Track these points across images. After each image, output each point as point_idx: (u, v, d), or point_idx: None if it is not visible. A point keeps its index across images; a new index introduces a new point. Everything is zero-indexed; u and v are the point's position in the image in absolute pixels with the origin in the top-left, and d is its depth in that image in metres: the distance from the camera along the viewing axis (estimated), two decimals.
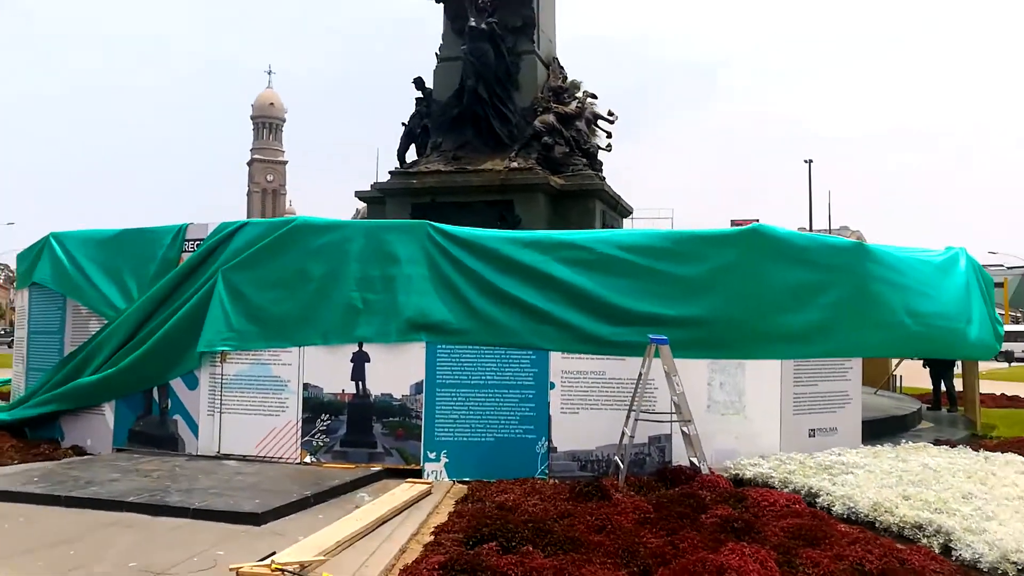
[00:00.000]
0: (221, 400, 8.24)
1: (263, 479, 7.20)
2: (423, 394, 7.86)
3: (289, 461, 7.99)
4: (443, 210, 12.78)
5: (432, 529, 5.86)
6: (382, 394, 7.93)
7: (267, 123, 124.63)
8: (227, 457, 8.13)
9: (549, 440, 7.80)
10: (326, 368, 8.03)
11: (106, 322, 8.97)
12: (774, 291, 8.10)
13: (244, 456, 8.11)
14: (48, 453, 8.65)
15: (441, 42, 15.33)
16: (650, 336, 7.45)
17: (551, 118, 14.29)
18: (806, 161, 47.72)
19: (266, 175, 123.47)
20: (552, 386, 7.84)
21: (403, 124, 16.28)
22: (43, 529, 5.71)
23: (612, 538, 5.39)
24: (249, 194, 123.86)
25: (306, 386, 8.05)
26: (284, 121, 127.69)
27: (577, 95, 15.12)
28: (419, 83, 15.93)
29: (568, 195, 13.65)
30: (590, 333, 7.82)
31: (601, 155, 15.19)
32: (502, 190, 13.23)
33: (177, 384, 8.53)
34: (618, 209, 15.21)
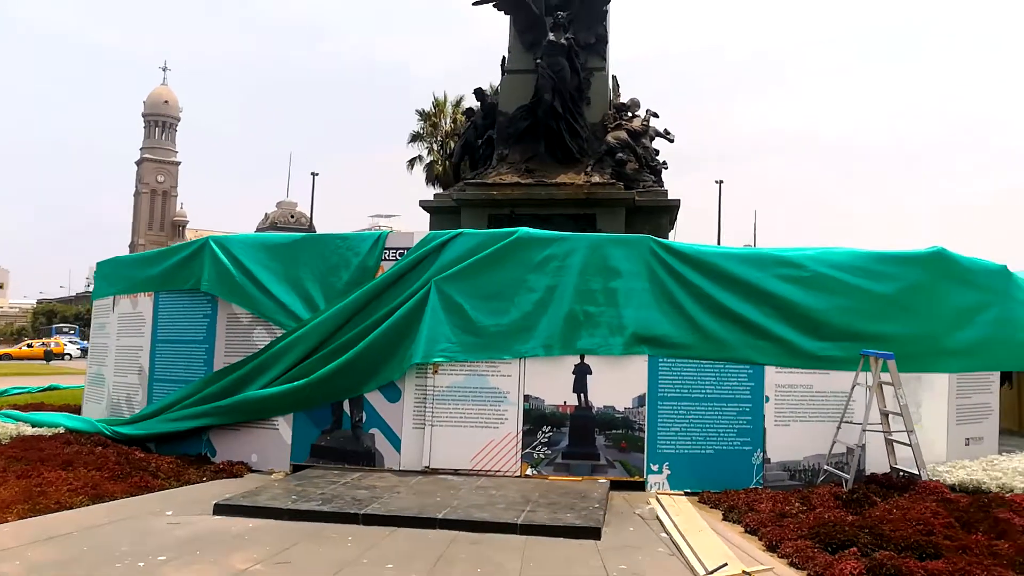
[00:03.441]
0: (432, 412, 8.02)
1: (519, 492, 7.11)
2: (646, 407, 7.96)
3: (508, 474, 7.88)
4: (521, 222, 12.80)
5: (763, 540, 5.98)
6: (604, 406, 7.97)
7: (160, 121, 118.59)
8: (437, 472, 7.92)
9: (764, 452, 8.07)
10: (547, 380, 7.99)
11: (281, 332, 8.53)
12: (950, 309, 8.71)
13: (456, 470, 7.93)
14: (230, 470, 8.13)
15: (508, 54, 15.34)
16: (866, 351, 7.88)
17: (624, 134, 14.62)
18: (717, 182, 49.98)
19: (156, 176, 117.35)
20: (767, 399, 8.12)
21: (456, 135, 16.26)
22: (395, 549, 5.46)
23: (958, 543, 5.73)
24: (137, 194, 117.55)
25: (527, 397, 7.98)
26: (179, 120, 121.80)
27: (638, 112, 15.50)
28: (479, 94, 15.93)
29: (642, 211, 13.96)
30: (802, 348, 8.16)
31: None
32: (586, 204, 13.41)
33: (374, 397, 8.23)
34: (673, 225, 15.69)
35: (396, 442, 8.15)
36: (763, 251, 8.38)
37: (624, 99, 15.89)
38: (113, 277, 10.78)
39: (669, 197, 14.41)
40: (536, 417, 7.96)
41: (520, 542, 5.71)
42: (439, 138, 43.64)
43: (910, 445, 7.82)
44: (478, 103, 15.96)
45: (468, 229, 8.37)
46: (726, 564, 4.92)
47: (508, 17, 15.31)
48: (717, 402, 8.06)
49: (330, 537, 5.71)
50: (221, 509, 6.33)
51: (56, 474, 7.39)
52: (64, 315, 70.54)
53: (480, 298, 8.06)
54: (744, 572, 4.83)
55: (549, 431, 7.95)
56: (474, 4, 15.34)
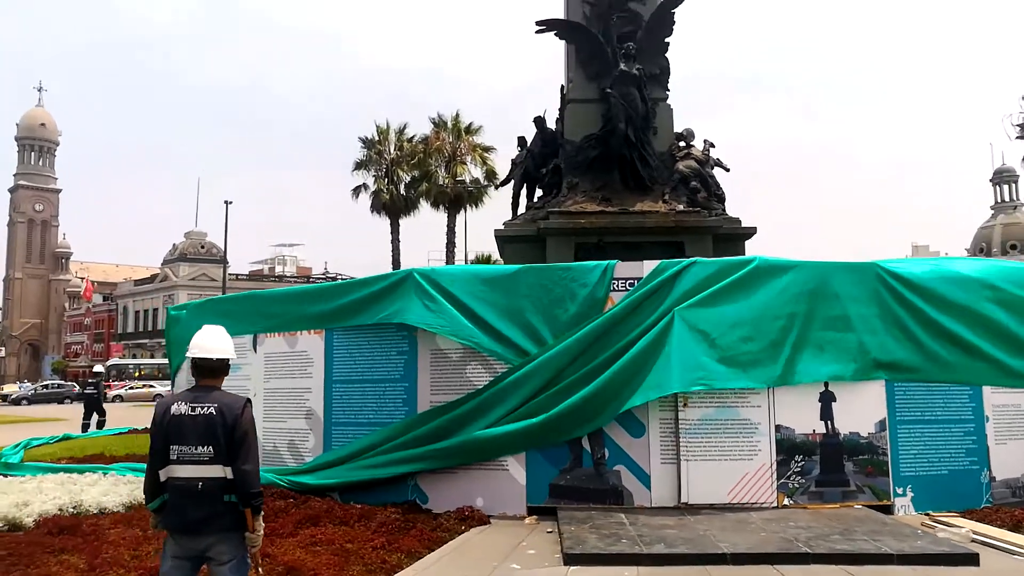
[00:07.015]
0: (685, 447, 7.82)
1: (814, 521, 7.08)
2: (887, 431, 8.07)
3: (766, 505, 7.77)
4: (608, 251, 12.81)
5: None
6: (850, 432, 8.02)
7: (35, 145, 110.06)
8: (693, 508, 7.70)
9: (989, 470, 8.34)
10: (795, 408, 7.96)
11: (501, 367, 8.11)
12: None
13: (712, 505, 7.74)
14: (475, 517, 7.60)
15: (570, 83, 15.34)
16: None
17: (694, 163, 14.87)
18: None
19: (34, 204, 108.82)
20: (987, 419, 8.41)
21: (513, 163, 16.21)
22: None
23: None
24: (11, 224, 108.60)
25: (778, 427, 7.92)
26: (57, 144, 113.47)
27: (693, 142, 15.84)
28: (539, 122, 15.82)
29: (721, 239, 14.22)
30: (1012, 368, 8.48)
31: None
32: (674, 232, 13.53)
33: (615, 431, 7.94)
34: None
35: (644, 478, 7.88)
36: (973, 273, 8.64)
37: (678, 129, 16.23)
38: (244, 315, 9.91)
39: (746, 226, 14.77)
40: (788, 447, 7.91)
41: (911, 572, 5.65)
42: (384, 166, 42.94)
43: None
44: (536, 130, 15.84)
45: (704, 259, 8.26)
46: None
47: (565, 47, 15.42)
48: (945, 423, 8.27)
49: None
50: (573, 559, 5.92)
51: (315, 531, 6.73)
52: None
53: (726, 327, 7.96)
54: None
55: (801, 460, 7.91)
56: (537, 32, 15.25)
